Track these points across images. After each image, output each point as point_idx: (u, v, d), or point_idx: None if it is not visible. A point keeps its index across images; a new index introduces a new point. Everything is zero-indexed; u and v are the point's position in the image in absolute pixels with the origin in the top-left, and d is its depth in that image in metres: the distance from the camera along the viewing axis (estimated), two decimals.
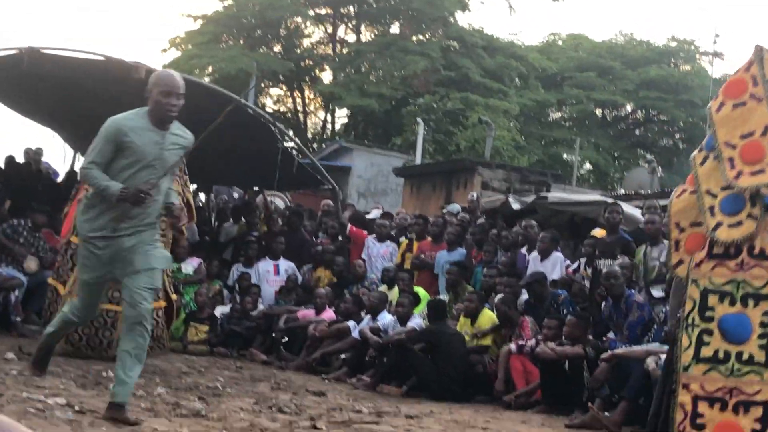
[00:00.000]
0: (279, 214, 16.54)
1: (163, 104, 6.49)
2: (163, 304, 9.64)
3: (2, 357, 8.94)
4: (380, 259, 14.37)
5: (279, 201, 18.33)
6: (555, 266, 11.83)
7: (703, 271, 6.02)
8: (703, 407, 5.79)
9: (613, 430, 8.40)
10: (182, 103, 6.56)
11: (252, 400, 8.08)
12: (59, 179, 16.45)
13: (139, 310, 6.28)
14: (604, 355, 9.17)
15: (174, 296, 10.47)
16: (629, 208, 12.96)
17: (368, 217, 16.71)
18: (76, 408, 6.18)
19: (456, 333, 10.84)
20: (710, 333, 5.88)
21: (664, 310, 9.65)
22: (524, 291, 11.51)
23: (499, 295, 11.22)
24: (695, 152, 6.36)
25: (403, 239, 14.66)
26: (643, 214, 11.96)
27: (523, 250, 12.67)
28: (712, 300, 5.93)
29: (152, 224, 6.59)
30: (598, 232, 12.22)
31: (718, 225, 5.98)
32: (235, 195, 19.14)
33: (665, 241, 10.74)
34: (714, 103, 6.28)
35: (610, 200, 13.78)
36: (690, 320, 5.98)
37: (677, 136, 38.93)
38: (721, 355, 5.83)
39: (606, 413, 8.67)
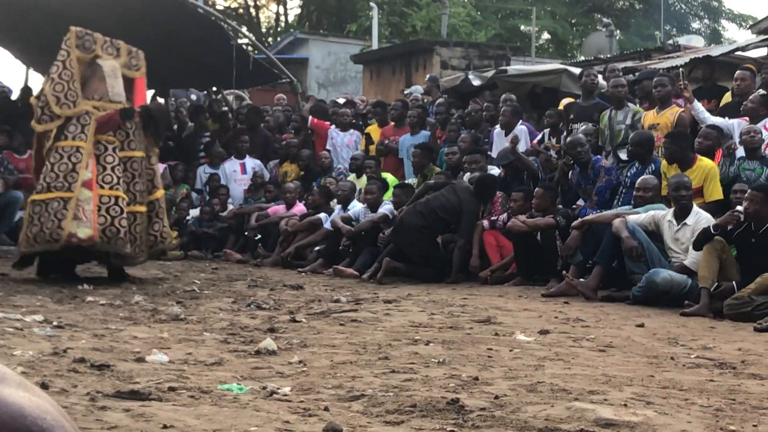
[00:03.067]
0: (233, 113, 16.38)
1: None
2: (142, 209, 9.36)
3: None
4: (345, 148, 14.32)
5: (230, 98, 18.13)
6: (522, 137, 11.82)
7: None
8: None
9: (588, 295, 8.51)
10: None
11: (230, 300, 8.12)
12: (13, 96, 16.17)
13: None
14: (574, 223, 9.24)
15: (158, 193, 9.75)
16: (591, 74, 12.90)
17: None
18: (54, 323, 6.18)
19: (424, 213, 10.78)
20: None
21: (630, 173, 9.69)
22: (495, 167, 11.53)
23: (468, 174, 11.21)
24: None
25: (366, 126, 14.60)
26: (604, 79, 11.92)
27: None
28: None
29: None
30: (568, 101, 12.20)
31: None
32: (193, 97, 18.91)
33: (630, 105, 10.76)
34: None
35: (570, 68, 13.73)
36: None
37: None
38: None
39: (581, 279, 8.77)
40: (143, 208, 9.39)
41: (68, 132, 9.04)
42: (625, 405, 3.95)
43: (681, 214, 8.43)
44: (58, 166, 8.96)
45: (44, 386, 3.97)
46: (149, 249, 9.51)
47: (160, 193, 9.69)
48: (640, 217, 8.66)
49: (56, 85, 9.12)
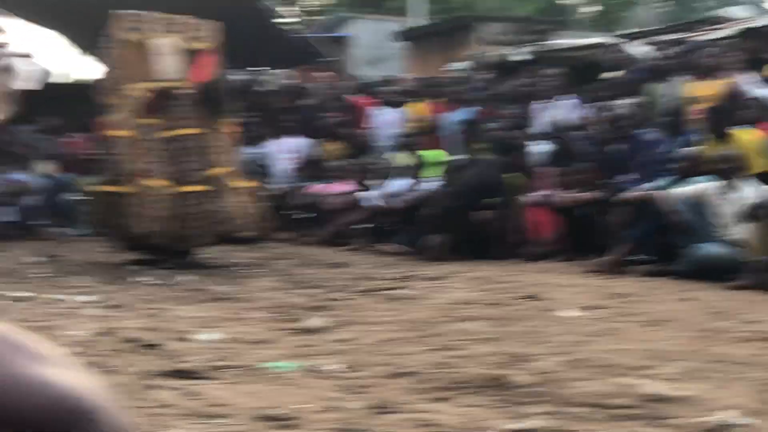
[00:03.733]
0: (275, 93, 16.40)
1: None
2: (197, 188, 8.93)
3: (28, 261, 9.04)
4: (387, 125, 14.29)
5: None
6: (566, 113, 11.73)
7: None
8: None
9: (607, 270, 8.46)
10: None
11: (276, 278, 8.16)
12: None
13: None
14: (616, 198, 9.16)
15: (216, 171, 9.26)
16: (635, 47, 12.78)
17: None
18: (104, 304, 6.25)
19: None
20: None
21: (668, 146, 9.56)
22: (538, 143, 11.47)
23: (514, 149, 11.11)
24: None
25: (408, 104, 14.56)
26: (649, 52, 11.81)
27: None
28: None
29: None
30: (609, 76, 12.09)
31: None
32: (235, 78, 18.93)
33: (676, 77, 10.64)
34: None
35: (612, 41, 13.60)
36: None
37: None
38: None
39: (630, 255, 8.71)
40: (199, 188, 9.01)
41: (116, 119, 8.96)
42: (674, 379, 3.93)
43: (728, 187, 8.33)
44: (112, 155, 8.97)
45: (95, 366, 4.03)
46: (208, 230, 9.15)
47: (218, 170, 9.21)
48: (687, 189, 8.57)
49: (110, 73, 9.09)
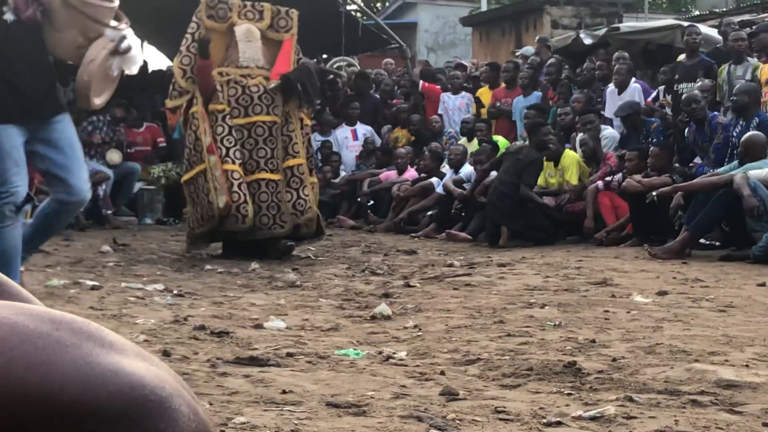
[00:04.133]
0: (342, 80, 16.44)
1: None
2: (272, 176, 8.76)
3: (98, 250, 9.17)
4: (456, 111, 14.26)
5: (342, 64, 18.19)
6: (633, 97, 11.60)
7: None
8: None
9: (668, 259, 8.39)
10: None
11: (344, 266, 8.19)
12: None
13: None
14: (664, 190, 9.00)
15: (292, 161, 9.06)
16: (706, 29, 12.60)
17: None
18: (175, 292, 6.32)
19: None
20: None
21: (736, 131, 9.37)
22: (609, 127, 11.39)
23: (581, 134, 11.05)
24: None
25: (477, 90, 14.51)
26: (720, 33, 11.61)
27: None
28: None
29: None
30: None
31: None
32: None
33: (749, 59, 10.44)
34: None
35: (684, 23, 13.40)
36: None
37: None
38: None
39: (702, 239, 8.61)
40: (276, 176, 8.77)
41: (193, 105, 8.77)
42: (747, 366, 3.86)
43: None
44: (188, 139, 8.83)
45: (166, 353, 4.08)
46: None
47: (294, 161, 8.90)
48: (763, 172, 8.40)
49: (183, 58, 8.84)
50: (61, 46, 5.60)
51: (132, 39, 5.72)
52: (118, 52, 5.57)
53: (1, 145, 5.29)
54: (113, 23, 5.66)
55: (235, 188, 8.51)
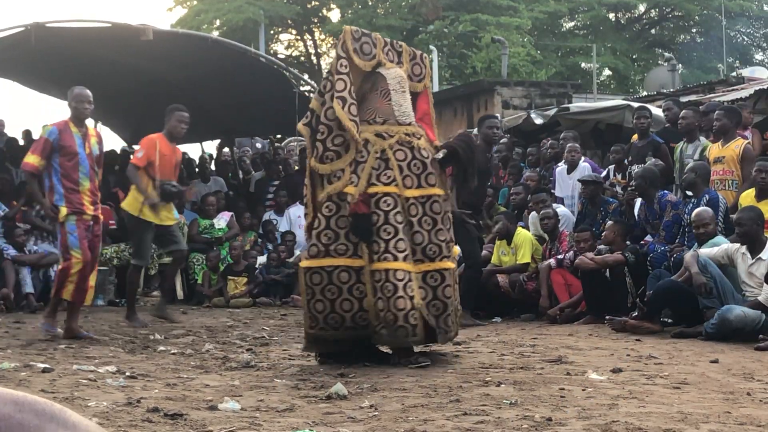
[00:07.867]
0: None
1: None
2: (449, 265, 6.78)
3: (52, 332, 9.03)
4: None
5: (293, 144, 18.30)
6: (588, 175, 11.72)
7: None
8: None
9: (653, 329, 8.47)
10: None
11: (299, 346, 8.13)
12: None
13: None
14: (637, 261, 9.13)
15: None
16: (655, 110, 12.84)
17: None
18: (127, 374, 6.24)
19: None
20: None
21: (687, 209, 9.46)
22: (561, 205, 11.51)
23: (543, 211, 11.01)
24: None
25: None
26: (663, 112, 11.81)
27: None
28: None
29: None
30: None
31: None
32: (258, 145, 19.12)
33: (701, 138, 10.61)
34: None
35: (633, 104, 13.65)
36: None
37: (693, 30, 38.29)
38: None
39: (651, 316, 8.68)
40: (451, 264, 6.84)
41: (338, 174, 6.72)
42: None
43: (755, 248, 8.28)
44: (335, 220, 6.66)
45: None
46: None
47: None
48: (713, 250, 8.51)
49: (350, 107, 6.67)
50: None
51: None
52: None
53: None
54: None
55: (401, 292, 6.49)
